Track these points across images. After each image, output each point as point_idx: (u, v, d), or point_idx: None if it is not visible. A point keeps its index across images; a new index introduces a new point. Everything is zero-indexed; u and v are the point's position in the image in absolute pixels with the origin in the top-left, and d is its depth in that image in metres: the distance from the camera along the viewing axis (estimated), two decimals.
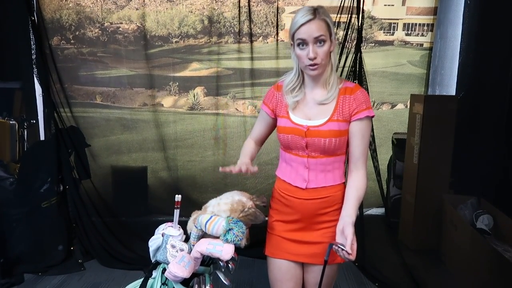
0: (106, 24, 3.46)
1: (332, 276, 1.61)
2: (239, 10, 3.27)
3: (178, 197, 1.56)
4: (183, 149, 3.54)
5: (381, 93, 3.48)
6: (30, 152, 3.17)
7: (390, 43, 3.43)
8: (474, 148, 3.03)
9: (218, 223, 1.46)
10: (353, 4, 2.60)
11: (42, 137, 3.33)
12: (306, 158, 1.50)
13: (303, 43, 1.40)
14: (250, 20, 3.31)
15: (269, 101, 1.59)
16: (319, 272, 1.56)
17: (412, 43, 3.45)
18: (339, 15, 2.66)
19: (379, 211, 3.65)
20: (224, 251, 1.42)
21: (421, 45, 3.45)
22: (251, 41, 3.33)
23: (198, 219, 1.50)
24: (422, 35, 3.42)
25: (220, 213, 1.50)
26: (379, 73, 3.31)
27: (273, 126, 1.63)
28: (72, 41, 3.46)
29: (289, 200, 1.55)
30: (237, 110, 3.52)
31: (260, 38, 3.37)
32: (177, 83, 3.51)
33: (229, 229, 1.44)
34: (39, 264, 2.82)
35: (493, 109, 2.98)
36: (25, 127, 3.17)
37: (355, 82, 1.56)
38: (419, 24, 3.40)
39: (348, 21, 2.62)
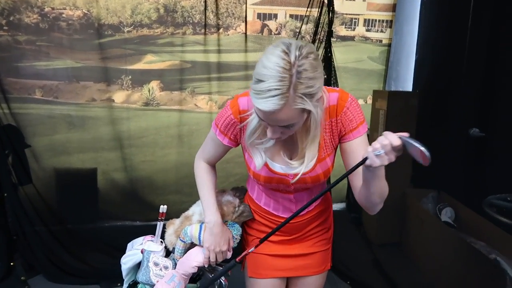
0: (46, 10, 3.07)
1: (321, 285, 1.51)
2: (205, 1, 3.06)
3: (163, 208, 1.37)
4: (137, 148, 3.27)
5: (342, 88, 3.45)
6: None
7: (351, 38, 3.42)
8: (434, 142, 3.11)
9: None
10: None
11: None
12: (292, 194, 1.32)
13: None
14: (212, 11, 3.12)
15: (227, 131, 1.24)
16: (312, 284, 1.46)
17: (372, 39, 3.47)
18: (309, 9, 2.57)
19: (340, 206, 3.67)
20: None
21: (380, 41, 3.48)
22: (217, 33, 3.14)
23: (186, 232, 1.32)
24: (382, 31, 3.46)
25: None
26: (341, 68, 3.27)
27: (229, 149, 1.33)
28: (5, 28, 3.04)
29: (273, 222, 1.38)
30: (196, 105, 3.32)
31: (221, 30, 3.19)
32: (130, 77, 3.22)
33: None
34: None
35: (451, 103, 3.07)
36: None
37: (335, 88, 1.23)
38: (379, 20, 3.42)
39: (318, 15, 2.54)
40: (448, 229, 2.52)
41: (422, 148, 0.93)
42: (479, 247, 2.24)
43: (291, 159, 1.20)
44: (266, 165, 1.23)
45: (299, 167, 1.17)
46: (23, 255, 2.71)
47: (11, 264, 2.66)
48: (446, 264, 2.44)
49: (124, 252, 1.49)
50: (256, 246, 1.17)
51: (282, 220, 1.30)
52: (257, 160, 1.21)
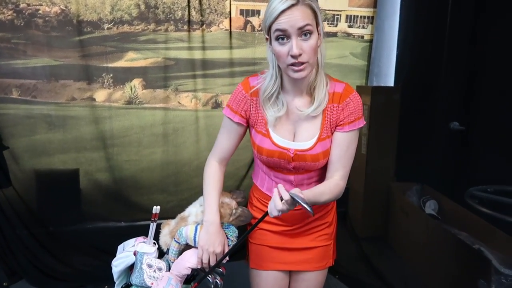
0: (22, 6, 2.97)
1: (322, 282, 1.53)
2: None
3: (156, 209, 1.34)
4: (121, 147, 3.20)
5: None
6: None
7: (334, 34, 3.44)
8: (417, 136, 3.18)
9: None
10: None
11: None
12: (292, 175, 1.34)
13: (283, 36, 1.14)
14: (194, 8, 3.08)
15: (238, 106, 1.31)
16: (313, 279, 1.47)
17: (354, 35, 3.49)
18: None
19: None
20: None
21: (362, 37, 3.52)
22: (201, 29, 3.11)
23: (181, 233, 1.31)
24: (363, 27, 3.49)
25: None
26: (325, 64, 3.29)
27: (243, 135, 1.38)
28: None
29: None
30: (180, 103, 3.27)
31: (204, 26, 3.15)
32: (111, 75, 3.15)
33: None
34: None
35: (432, 97, 3.13)
36: None
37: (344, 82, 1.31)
38: (361, 16, 3.45)
39: None
40: (432, 221, 2.58)
41: (305, 206, 1.08)
42: (463, 238, 2.30)
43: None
44: (269, 138, 1.28)
45: (309, 108, 1.25)
46: (4, 260, 2.62)
47: None
48: (432, 255, 2.50)
49: (109, 253, 1.46)
50: (239, 241, 1.27)
51: None
52: (270, 115, 1.27)
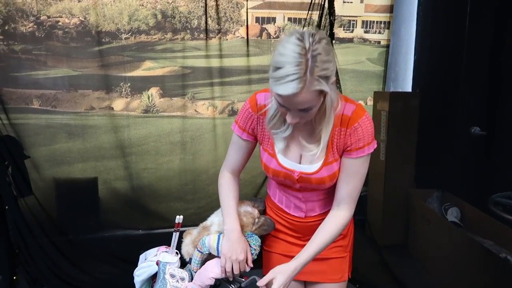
0: (42, 18, 3.03)
1: None
2: (205, 6, 3.03)
3: (179, 218, 1.34)
4: (139, 156, 3.23)
5: (342, 90, 3.45)
6: None
7: (350, 40, 3.42)
8: (436, 142, 3.12)
9: None
10: (323, 1, 2.52)
11: None
12: (300, 193, 1.33)
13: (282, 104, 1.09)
14: (210, 16, 3.10)
15: (246, 124, 1.29)
16: None
17: (371, 41, 3.47)
18: (310, 12, 2.56)
19: None
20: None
21: (379, 42, 3.49)
22: (218, 38, 3.13)
23: (204, 242, 1.30)
24: (380, 32, 3.46)
25: None
26: (341, 70, 3.24)
27: (253, 149, 1.37)
28: (0, 37, 2.99)
29: (287, 221, 1.40)
30: (197, 111, 3.29)
31: (220, 35, 3.17)
32: (128, 84, 3.18)
33: None
34: None
35: (451, 102, 3.08)
36: None
37: (356, 103, 1.23)
38: (377, 22, 3.43)
39: (319, 17, 2.54)
40: (455, 228, 2.52)
41: None
42: (488, 246, 2.24)
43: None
44: (275, 158, 1.27)
45: (315, 150, 1.20)
46: (26, 268, 2.65)
47: (14, 278, 2.60)
48: (456, 264, 2.44)
49: (128, 262, 1.45)
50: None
51: (294, 219, 1.37)
52: (279, 145, 1.25)
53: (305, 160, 1.25)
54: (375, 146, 1.23)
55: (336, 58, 1.11)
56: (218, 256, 1.29)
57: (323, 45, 1.03)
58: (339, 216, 1.26)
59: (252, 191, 3.17)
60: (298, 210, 1.36)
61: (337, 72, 2.67)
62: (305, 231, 1.38)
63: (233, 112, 3.27)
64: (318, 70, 1.01)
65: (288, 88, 1.00)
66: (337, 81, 2.77)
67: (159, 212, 3.22)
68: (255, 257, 1.31)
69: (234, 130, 1.32)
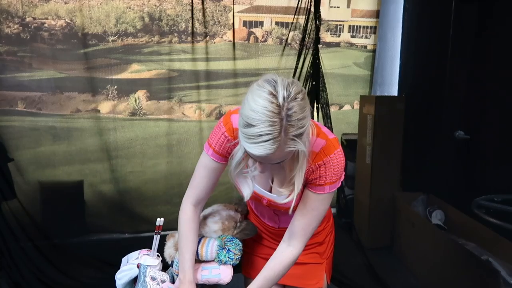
0: (28, 20, 3.01)
1: None
2: (192, 9, 3.03)
3: (159, 221, 1.33)
4: (125, 159, 3.21)
5: (329, 94, 3.46)
6: None
7: (337, 44, 3.45)
8: (422, 145, 3.16)
9: (211, 244, 1.30)
10: (310, 5, 2.54)
11: None
12: (272, 209, 1.33)
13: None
14: (197, 19, 3.11)
15: (221, 148, 1.20)
16: None
17: (357, 45, 3.51)
18: (296, 16, 2.58)
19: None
20: (223, 273, 1.28)
21: (365, 47, 3.53)
22: (205, 41, 3.13)
23: None
24: (366, 37, 3.50)
25: (211, 234, 1.33)
26: (327, 74, 3.26)
27: (223, 171, 1.27)
28: None
29: (263, 227, 1.43)
30: (184, 114, 3.28)
31: (207, 38, 3.18)
32: (115, 87, 3.17)
33: (223, 249, 1.30)
34: None
35: (436, 106, 3.12)
36: None
37: (329, 137, 1.16)
38: (363, 27, 3.47)
39: (305, 21, 2.56)
40: (439, 231, 2.55)
41: None
42: (471, 248, 2.27)
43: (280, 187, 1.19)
44: None
45: (290, 195, 1.14)
46: (8, 273, 2.60)
47: None
48: (439, 266, 2.46)
49: (114, 266, 1.45)
50: None
51: (269, 225, 1.38)
52: (245, 191, 1.18)
53: (275, 189, 1.21)
54: (338, 186, 1.17)
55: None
56: (199, 260, 1.29)
57: (299, 102, 0.96)
58: (287, 255, 1.22)
59: (237, 194, 3.16)
60: (272, 221, 1.39)
61: (323, 78, 2.71)
62: (281, 237, 1.38)
63: (220, 115, 3.27)
64: (293, 129, 0.95)
65: (261, 149, 0.95)
66: (323, 87, 2.78)
67: (145, 215, 3.21)
68: (236, 262, 1.30)
69: (209, 154, 1.21)
